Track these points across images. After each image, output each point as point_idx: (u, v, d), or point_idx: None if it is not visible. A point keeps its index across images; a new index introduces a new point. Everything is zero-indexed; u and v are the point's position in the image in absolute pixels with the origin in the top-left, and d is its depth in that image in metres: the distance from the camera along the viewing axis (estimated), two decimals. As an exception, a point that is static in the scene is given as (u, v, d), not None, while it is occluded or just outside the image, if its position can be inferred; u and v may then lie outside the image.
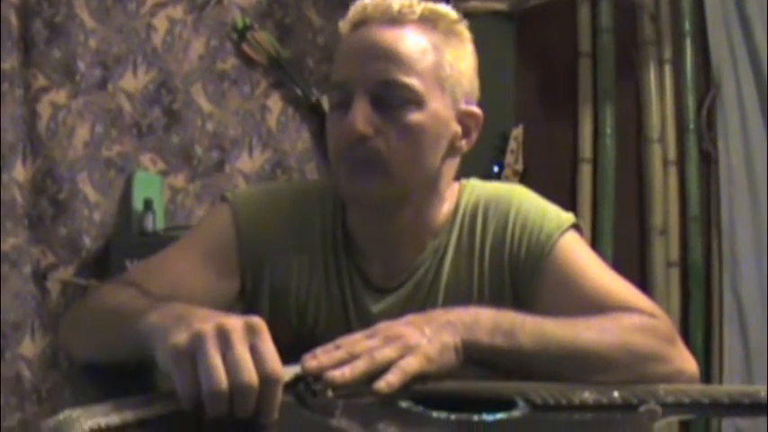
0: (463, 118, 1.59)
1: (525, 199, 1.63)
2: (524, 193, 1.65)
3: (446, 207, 1.62)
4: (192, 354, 1.03)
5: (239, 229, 1.60)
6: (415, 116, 1.51)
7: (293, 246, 1.61)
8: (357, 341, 1.24)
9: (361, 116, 1.47)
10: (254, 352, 1.03)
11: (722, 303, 3.91)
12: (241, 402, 1.01)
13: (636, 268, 4.00)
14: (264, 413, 1.03)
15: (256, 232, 1.60)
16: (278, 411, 1.04)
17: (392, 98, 1.50)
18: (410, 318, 1.33)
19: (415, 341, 1.25)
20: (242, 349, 1.03)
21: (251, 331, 1.05)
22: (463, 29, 1.60)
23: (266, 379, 1.02)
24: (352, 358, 1.20)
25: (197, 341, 1.03)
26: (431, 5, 1.56)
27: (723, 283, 3.91)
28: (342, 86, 1.52)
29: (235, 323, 1.05)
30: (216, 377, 1.00)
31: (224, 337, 1.03)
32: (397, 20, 1.52)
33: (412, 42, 1.52)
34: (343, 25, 1.57)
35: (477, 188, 1.66)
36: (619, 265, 4.06)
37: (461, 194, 1.64)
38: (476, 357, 1.31)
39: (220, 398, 1.00)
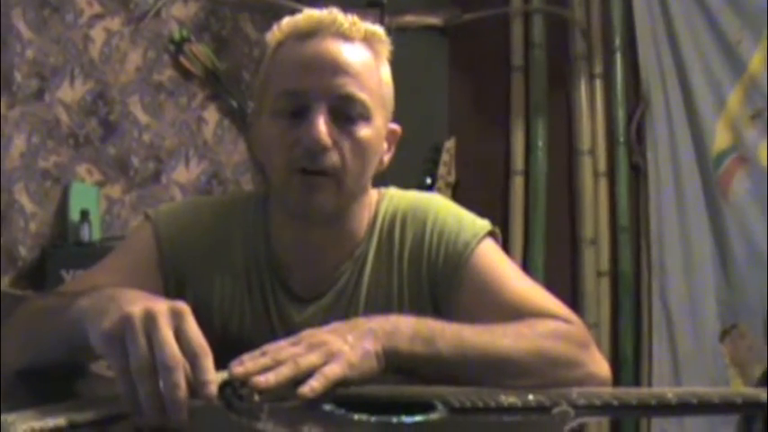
0: (388, 135, 1.63)
1: (442, 208, 1.65)
2: (441, 202, 1.68)
3: (366, 216, 1.63)
4: (122, 337, 1.09)
5: (161, 247, 1.61)
6: (365, 131, 1.53)
7: (215, 260, 1.62)
8: (282, 348, 1.27)
9: (325, 128, 1.49)
10: (180, 332, 1.10)
11: (651, 312, 3.98)
12: (168, 379, 1.06)
13: (567, 278, 4.06)
14: (202, 385, 1.08)
15: (178, 248, 1.62)
16: (215, 387, 1.09)
17: (348, 112, 1.51)
18: (334, 326, 1.36)
19: (338, 348, 1.28)
20: (166, 330, 1.09)
21: (175, 315, 1.11)
22: (388, 50, 1.62)
23: (194, 354, 1.09)
24: (277, 364, 1.23)
25: (126, 324, 1.09)
26: (367, 25, 1.59)
27: (652, 293, 3.98)
28: (297, 95, 1.51)
29: (161, 307, 1.11)
30: (141, 355, 1.07)
31: (150, 320, 1.09)
32: (348, 36, 1.54)
33: (363, 59, 1.55)
34: (285, 34, 1.57)
35: (396, 197, 1.67)
36: (550, 275, 4.15)
37: (380, 203, 1.66)
38: (396, 364, 1.34)
39: (146, 374, 1.06)
